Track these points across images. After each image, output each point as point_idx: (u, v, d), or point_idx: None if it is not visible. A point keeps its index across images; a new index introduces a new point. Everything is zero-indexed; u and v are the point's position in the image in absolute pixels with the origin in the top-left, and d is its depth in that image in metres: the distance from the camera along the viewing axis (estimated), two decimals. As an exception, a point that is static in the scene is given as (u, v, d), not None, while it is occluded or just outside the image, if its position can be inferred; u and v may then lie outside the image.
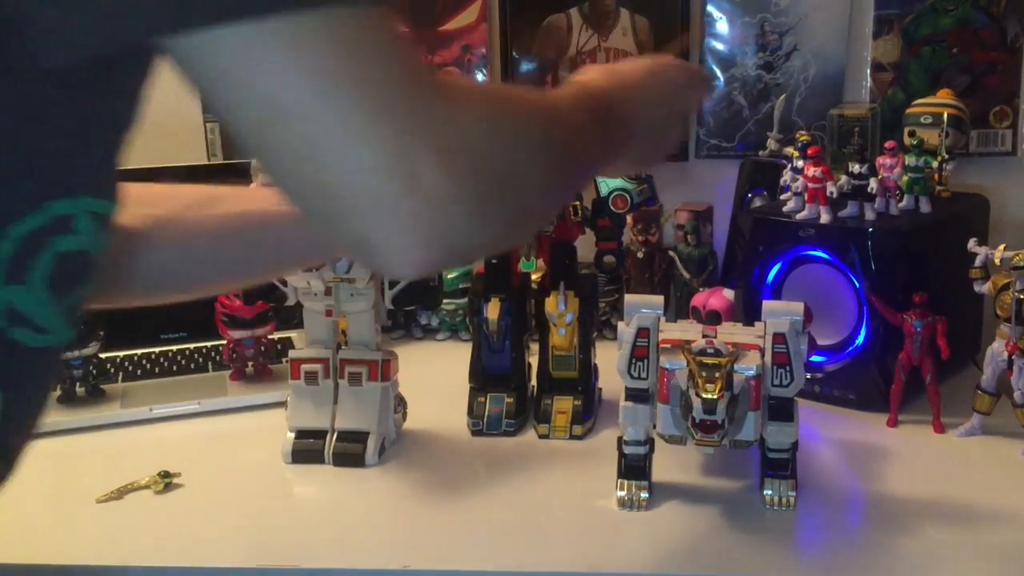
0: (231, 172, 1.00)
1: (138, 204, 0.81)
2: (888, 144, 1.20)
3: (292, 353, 1.11)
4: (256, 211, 0.86)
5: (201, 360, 1.35)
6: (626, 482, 0.96)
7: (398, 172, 0.52)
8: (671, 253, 1.41)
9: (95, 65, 0.55)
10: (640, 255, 1.42)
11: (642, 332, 0.94)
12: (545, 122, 0.65)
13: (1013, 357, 1.05)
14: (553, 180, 0.64)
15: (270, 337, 1.29)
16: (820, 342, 1.09)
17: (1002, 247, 1.06)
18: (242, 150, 0.54)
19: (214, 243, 0.85)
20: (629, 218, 1.33)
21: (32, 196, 0.56)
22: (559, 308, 1.14)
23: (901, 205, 1.21)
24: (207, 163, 1.58)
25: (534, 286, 1.21)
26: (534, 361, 1.18)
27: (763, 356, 0.93)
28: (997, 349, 1.07)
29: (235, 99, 0.52)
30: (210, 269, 0.87)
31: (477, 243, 0.57)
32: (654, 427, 0.95)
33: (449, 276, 1.44)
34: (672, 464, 1.01)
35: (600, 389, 1.18)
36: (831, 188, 1.17)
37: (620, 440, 0.97)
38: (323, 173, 0.52)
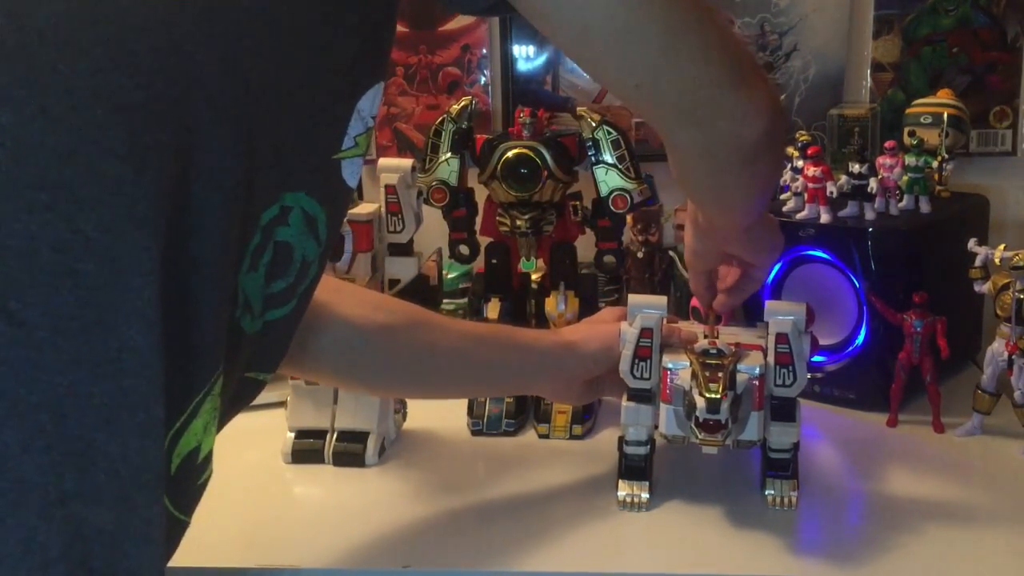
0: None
1: (374, 308, 0.94)
2: (888, 144, 1.20)
3: (292, 353, 1.11)
4: (482, 336, 1.00)
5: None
6: (626, 482, 0.96)
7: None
8: (671, 253, 1.40)
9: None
10: (640, 255, 1.42)
11: (645, 332, 0.93)
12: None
13: (1013, 357, 1.05)
14: None
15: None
16: (820, 342, 1.09)
17: (1002, 247, 1.06)
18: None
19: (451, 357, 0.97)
20: (629, 218, 1.32)
21: (276, 186, 0.61)
22: (559, 308, 1.14)
23: (901, 205, 1.20)
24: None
25: (534, 286, 1.20)
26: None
27: (766, 356, 0.93)
28: (997, 349, 1.07)
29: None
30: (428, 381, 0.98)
31: None
32: (656, 427, 0.94)
33: (449, 276, 1.44)
34: (673, 464, 1.01)
35: (600, 389, 1.17)
36: (831, 188, 1.17)
37: (621, 440, 0.97)
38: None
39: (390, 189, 1.20)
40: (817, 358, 1.16)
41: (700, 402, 0.88)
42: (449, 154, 1.16)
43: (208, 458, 0.65)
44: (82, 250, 0.52)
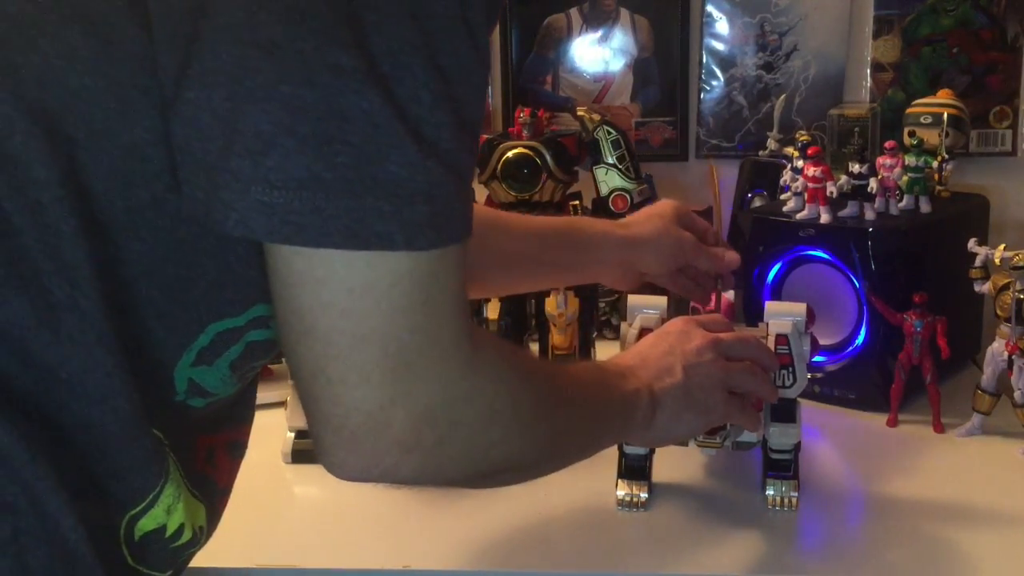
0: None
1: None
2: (888, 144, 1.20)
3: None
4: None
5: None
6: (626, 482, 0.96)
7: (377, 416, 0.56)
8: (671, 253, 1.40)
9: None
10: (640, 255, 1.42)
11: (644, 333, 0.93)
12: (549, 410, 0.68)
13: (1013, 357, 1.05)
14: (535, 458, 0.69)
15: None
16: (820, 342, 1.09)
17: (1002, 247, 1.06)
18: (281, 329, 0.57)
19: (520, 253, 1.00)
20: (629, 218, 1.32)
21: (237, 303, 0.61)
22: (559, 308, 1.13)
23: (901, 205, 1.20)
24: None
25: (534, 286, 1.20)
26: (534, 361, 1.18)
27: (764, 357, 0.93)
28: (997, 349, 1.07)
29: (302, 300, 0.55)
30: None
31: (416, 482, 0.63)
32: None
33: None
34: (672, 464, 1.01)
35: (600, 389, 1.17)
36: (831, 188, 1.17)
37: (620, 440, 0.97)
38: (322, 372, 0.56)
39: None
40: (817, 358, 1.15)
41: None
42: (449, 154, 1.16)
43: (180, 530, 0.64)
44: None
